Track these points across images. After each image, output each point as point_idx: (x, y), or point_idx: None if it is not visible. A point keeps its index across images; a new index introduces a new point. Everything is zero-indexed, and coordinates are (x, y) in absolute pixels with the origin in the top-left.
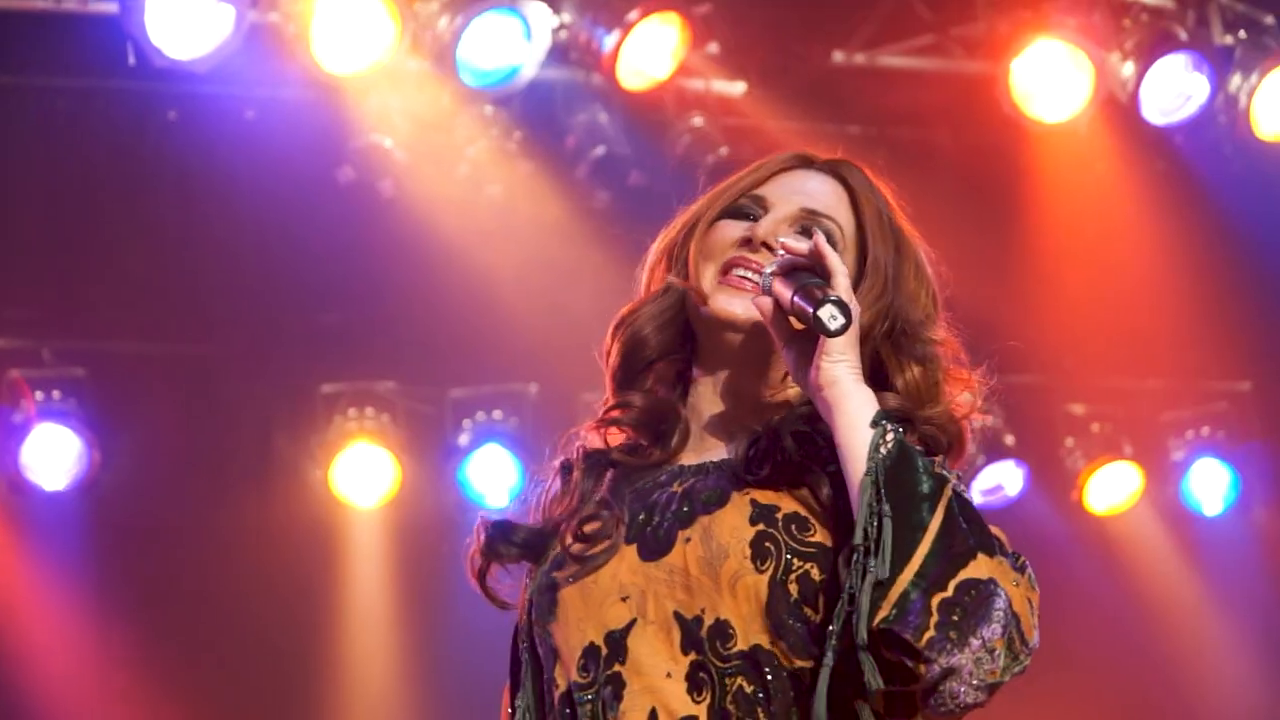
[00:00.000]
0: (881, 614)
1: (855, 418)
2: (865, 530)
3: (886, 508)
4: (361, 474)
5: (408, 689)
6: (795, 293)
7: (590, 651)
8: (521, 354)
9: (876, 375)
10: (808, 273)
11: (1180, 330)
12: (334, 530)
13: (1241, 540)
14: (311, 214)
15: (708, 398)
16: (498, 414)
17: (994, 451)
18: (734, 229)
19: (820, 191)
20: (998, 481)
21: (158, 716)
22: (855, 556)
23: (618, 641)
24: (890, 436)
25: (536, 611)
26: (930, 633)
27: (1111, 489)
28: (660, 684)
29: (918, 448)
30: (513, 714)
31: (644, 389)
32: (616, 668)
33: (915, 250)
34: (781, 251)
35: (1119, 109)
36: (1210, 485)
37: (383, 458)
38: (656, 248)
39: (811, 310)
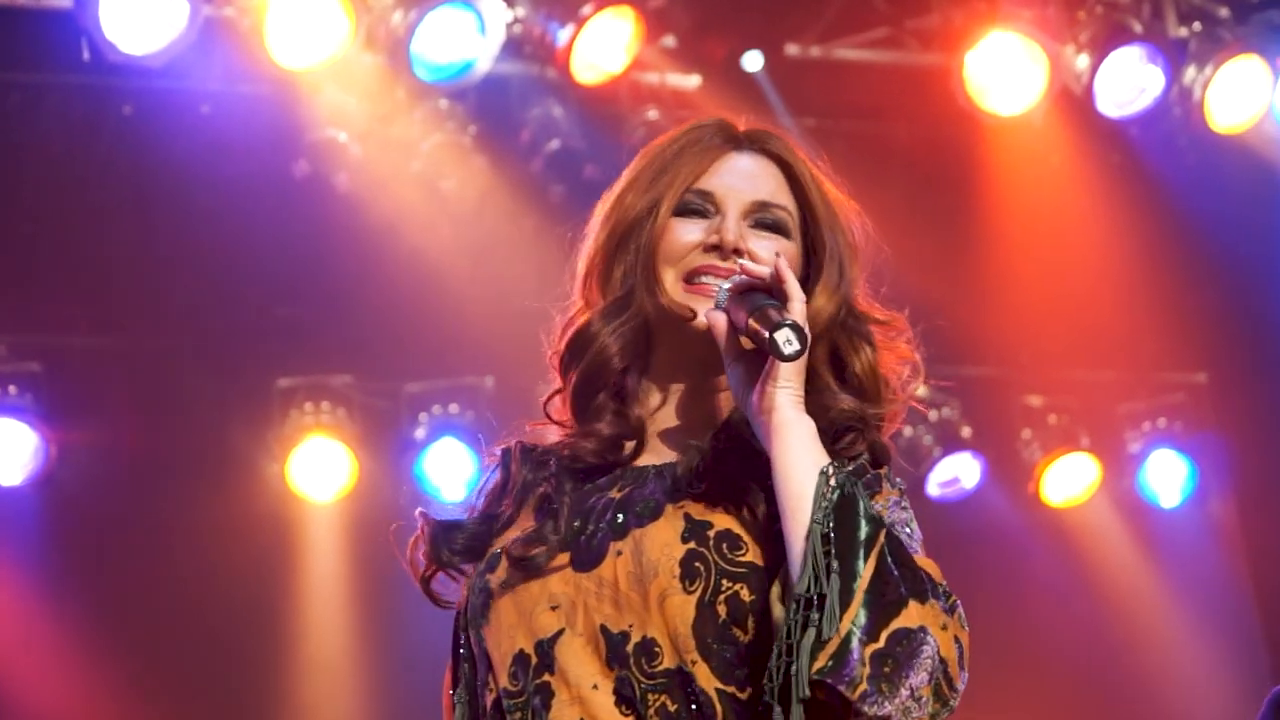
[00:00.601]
0: (819, 664)
1: (795, 453)
2: (810, 583)
3: (835, 564)
4: (318, 468)
5: (364, 682)
6: (751, 313)
7: (520, 659)
8: (477, 348)
9: (834, 360)
10: (763, 293)
11: (1136, 322)
12: (291, 524)
13: (1198, 532)
14: (267, 208)
15: (666, 403)
16: (454, 408)
17: (951, 443)
18: (691, 231)
19: (762, 177)
20: (955, 474)
21: (115, 710)
22: (796, 605)
23: (546, 650)
24: (834, 482)
25: (471, 614)
26: (863, 685)
27: (1068, 481)
28: (588, 695)
29: (863, 453)
30: (454, 706)
31: (606, 409)
32: (546, 677)
33: (846, 220)
34: (740, 275)
35: (1074, 101)
36: (1167, 477)
37: (339, 452)
38: (596, 238)
39: (768, 334)
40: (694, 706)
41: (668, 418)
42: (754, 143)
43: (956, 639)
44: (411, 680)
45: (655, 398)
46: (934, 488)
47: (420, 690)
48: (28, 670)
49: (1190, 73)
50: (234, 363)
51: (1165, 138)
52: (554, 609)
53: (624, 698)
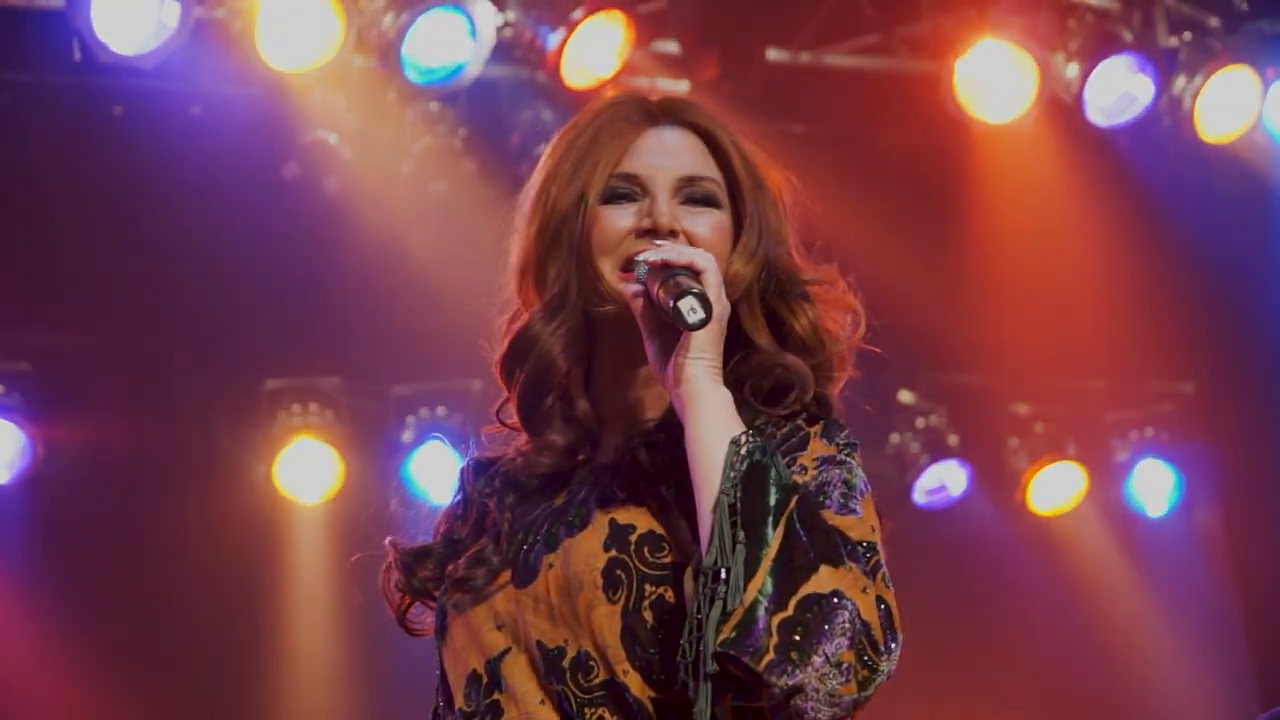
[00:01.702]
0: (722, 635)
1: (707, 424)
2: (716, 556)
3: (741, 534)
4: (305, 470)
5: (351, 684)
6: (661, 284)
7: (473, 679)
8: (465, 351)
9: (775, 325)
10: (683, 269)
11: (1124, 331)
12: (278, 526)
13: (1184, 541)
14: (257, 210)
15: (612, 399)
16: (441, 410)
17: (938, 451)
18: (622, 217)
19: (684, 150)
20: (941, 481)
21: (100, 709)
22: (703, 579)
23: (495, 669)
24: (744, 451)
25: (435, 637)
26: (769, 655)
27: (1055, 489)
28: (535, 710)
29: (801, 412)
30: None
31: (555, 414)
32: (496, 696)
33: (771, 181)
34: (662, 243)
35: (1063, 110)
36: (1154, 486)
37: (326, 454)
38: (526, 235)
39: (673, 302)
40: (630, 718)
41: (614, 415)
42: (671, 115)
43: (880, 600)
44: (398, 681)
45: (600, 395)
46: (920, 495)
47: (407, 692)
48: (14, 668)
49: (1180, 82)
50: (222, 364)
51: (1155, 147)
52: (499, 628)
53: (565, 713)
